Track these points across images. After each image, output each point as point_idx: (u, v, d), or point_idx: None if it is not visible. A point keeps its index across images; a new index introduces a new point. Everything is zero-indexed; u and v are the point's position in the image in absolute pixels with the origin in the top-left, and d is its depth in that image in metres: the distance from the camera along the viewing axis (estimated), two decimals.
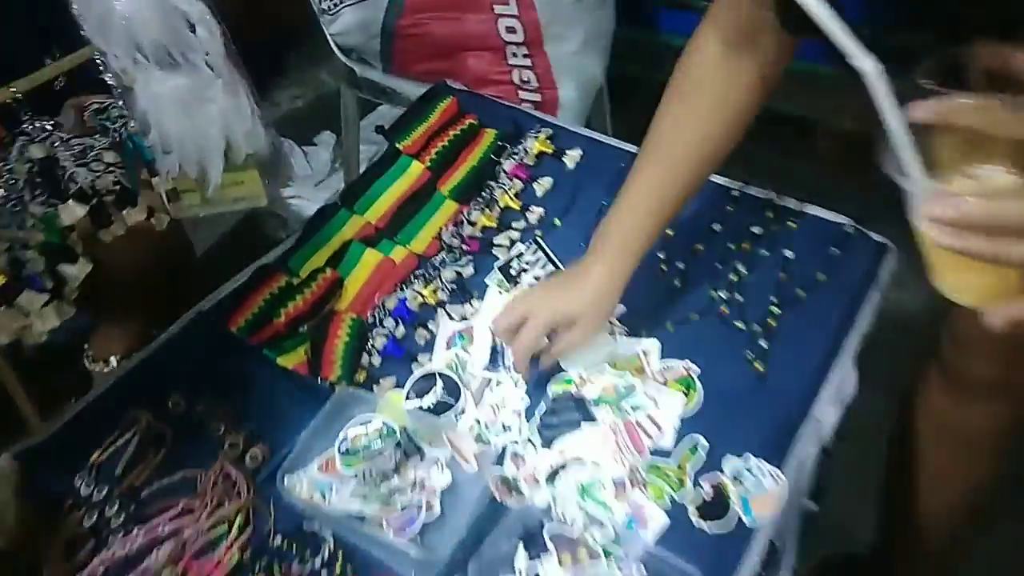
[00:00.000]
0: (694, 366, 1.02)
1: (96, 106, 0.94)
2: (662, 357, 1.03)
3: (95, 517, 0.98)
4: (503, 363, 1.07)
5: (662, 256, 1.13)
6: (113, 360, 1.48)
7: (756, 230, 1.12)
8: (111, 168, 0.89)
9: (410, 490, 0.96)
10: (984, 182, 0.60)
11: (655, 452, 0.96)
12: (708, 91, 0.91)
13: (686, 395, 1.00)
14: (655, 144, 0.95)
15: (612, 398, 1.00)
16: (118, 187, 0.91)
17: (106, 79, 0.88)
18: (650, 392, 1.00)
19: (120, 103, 0.88)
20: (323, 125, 2.32)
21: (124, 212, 0.93)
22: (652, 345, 1.05)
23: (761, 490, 0.93)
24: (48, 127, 0.85)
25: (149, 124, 0.89)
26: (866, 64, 0.56)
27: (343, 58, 1.68)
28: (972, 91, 0.59)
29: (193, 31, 0.92)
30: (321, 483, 0.97)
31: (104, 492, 0.99)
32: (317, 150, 2.25)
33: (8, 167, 0.81)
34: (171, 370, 1.09)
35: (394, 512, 0.95)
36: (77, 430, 1.05)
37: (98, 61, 0.86)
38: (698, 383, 1.01)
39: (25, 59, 0.84)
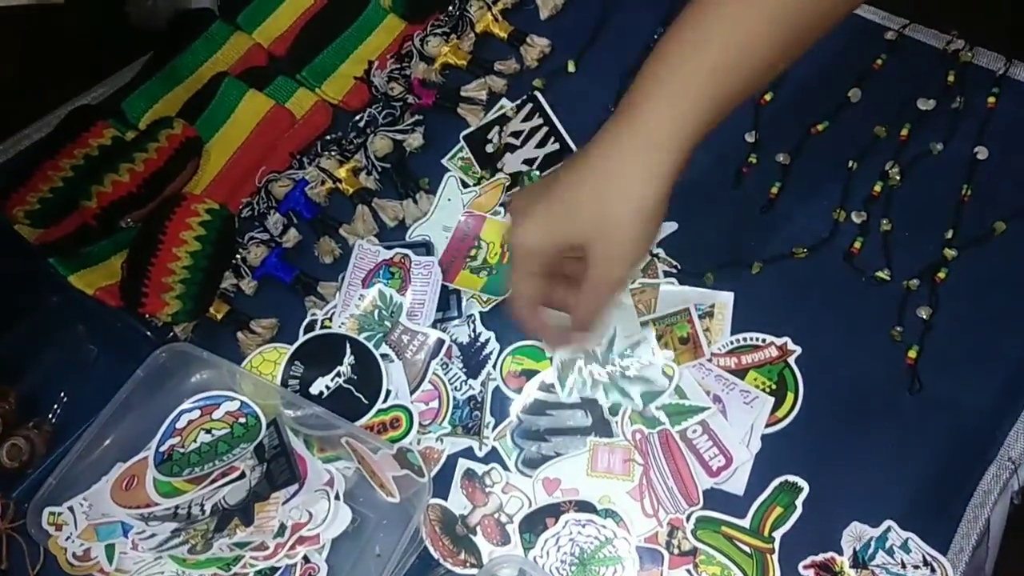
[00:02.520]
0: (793, 343, 0.58)
1: None
2: (735, 326, 0.60)
3: None
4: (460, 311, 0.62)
5: (750, 139, 0.65)
6: None
7: (924, 105, 0.64)
8: None
9: (272, 543, 0.53)
10: None
11: (712, 498, 0.55)
12: None
13: (773, 394, 0.58)
14: None
15: (639, 400, 0.57)
16: None
17: None
18: (709, 387, 0.57)
19: None
20: None
21: None
22: (722, 301, 0.60)
23: None
24: None
25: None
26: None
27: None
28: None
29: None
30: (109, 524, 0.53)
31: None
32: None
33: None
34: None
35: None
36: None
37: None
38: (799, 375, 0.58)
39: None
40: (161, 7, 0.79)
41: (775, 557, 0.53)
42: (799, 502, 0.55)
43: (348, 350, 0.60)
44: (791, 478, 0.55)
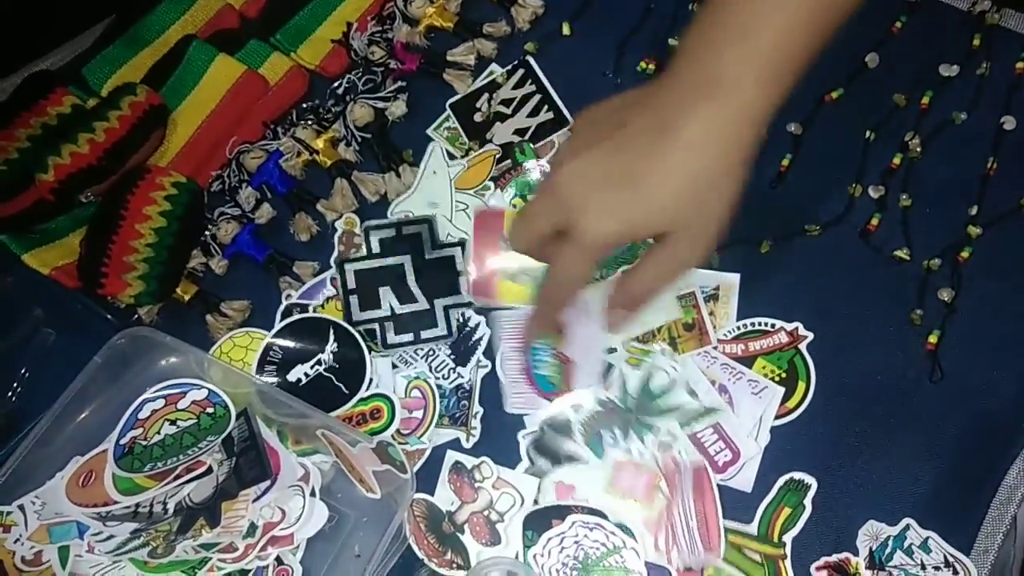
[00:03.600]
0: (805, 329, 0.55)
1: None
2: (742, 310, 0.56)
3: None
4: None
5: None
6: None
7: (946, 71, 0.59)
8: None
9: (242, 544, 0.49)
10: None
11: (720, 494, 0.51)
12: None
13: (783, 383, 0.54)
14: None
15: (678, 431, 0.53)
16: None
17: None
18: (714, 377, 0.53)
19: None
20: None
21: None
22: (727, 283, 0.56)
23: None
24: None
25: None
26: None
27: None
28: None
29: None
30: (64, 524, 0.49)
31: None
32: None
33: None
34: None
35: None
36: None
37: None
38: (810, 363, 0.54)
39: None
40: None
41: (787, 563, 0.49)
42: (807, 501, 0.51)
43: (332, 336, 0.55)
44: (797, 475, 0.51)
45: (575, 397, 0.54)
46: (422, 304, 0.57)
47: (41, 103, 0.66)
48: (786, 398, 0.54)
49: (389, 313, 0.57)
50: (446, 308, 0.57)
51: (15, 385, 0.57)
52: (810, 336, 0.55)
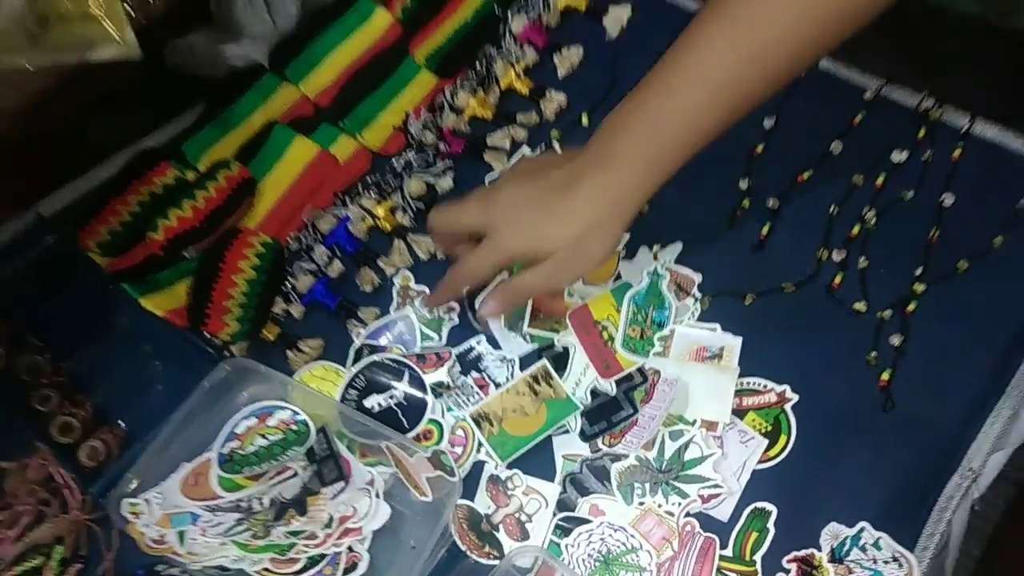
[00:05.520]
0: (791, 392, 0.66)
1: None
2: (741, 369, 0.67)
3: None
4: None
5: (744, 187, 0.73)
6: None
7: (897, 157, 0.72)
8: None
9: (322, 533, 0.60)
10: None
11: (699, 522, 0.63)
12: None
13: (768, 435, 0.65)
14: (725, 19, 0.55)
15: (655, 464, 0.64)
16: None
17: None
18: (714, 427, 0.65)
19: None
20: None
21: None
22: (731, 345, 0.67)
23: None
24: None
25: None
26: None
27: None
28: None
29: None
30: (181, 513, 0.61)
31: None
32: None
33: None
34: None
35: (293, 568, 0.60)
36: None
37: None
38: (793, 421, 0.65)
39: None
40: (200, 52, 0.87)
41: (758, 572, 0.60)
42: (770, 525, 0.61)
43: (407, 377, 0.68)
44: (759, 504, 0.62)
45: (624, 447, 0.65)
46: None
47: (149, 175, 0.80)
48: (769, 447, 0.64)
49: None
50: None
51: (131, 405, 0.69)
52: (795, 399, 0.65)
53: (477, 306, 0.67)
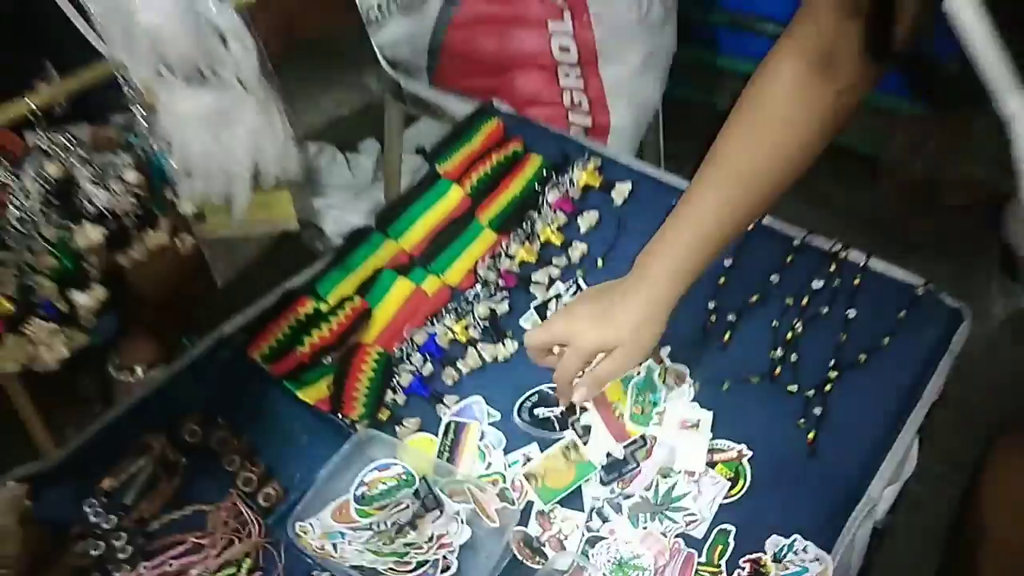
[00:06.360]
0: (747, 449, 0.94)
1: (120, 121, 0.89)
2: (713, 431, 0.96)
3: (102, 548, 0.93)
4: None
5: (711, 306, 1.05)
6: (139, 370, 1.45)
7: (817, 284, 1.04)
8: (132, 189, 0.84)
9: (426, 545, 0.90)
10: None
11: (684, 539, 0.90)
12: (780, 114, 0.83)
13: (731, 480, 0.93)
14: (716, 165, 0.87)
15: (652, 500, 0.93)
16: (139, 208, 0.86)
17: (127, 94, 0.83)
18: (693, 475, 0.93)
19: (140, 120, 0.83)
20: (368, 132, 2.27)
21: (144, 234, 0.88)
22: (705, 417, 0.97)
23: (803, 572, 0.85)
24: (67, 142, 0.80)
25: (171, 144, 0.84)
26: (1015, 104, 0.47)
27: (389, 70, 1.63)
28: None
29: (225, 45, 0.87)
30: (333, 532, 0.91)
31: (113, 522, 0.95)
32: (359, 158, 2.20)
33: (20, 186, 0.77)
34: (188, 396, 1.05)
35: (408, 568, 0.89)
36: (89, 453, 1.01)
37: (118, 75, 0.81)
38: (748, 468, 0.92)
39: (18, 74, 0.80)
40: (323, 215, 1.23)
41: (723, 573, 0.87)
42: (731, 539, 0.88)
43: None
44: (724, 526, 0.88)
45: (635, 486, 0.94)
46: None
47: (294, 305, 1.14)
48: (731, 488, 0.90)
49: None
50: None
51: (290, 463, 1.01)
52: (751, 454, 0.92)
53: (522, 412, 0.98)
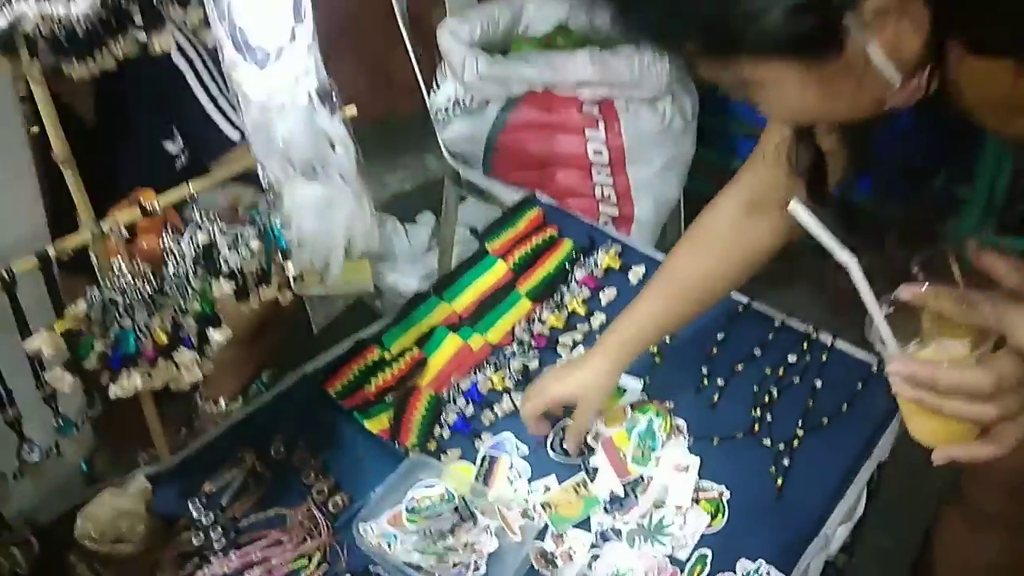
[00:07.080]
0: (727, 491, 1.15)
1: (249, 201, 1.17)
2: (700, 474, 1.16)
3: (201, 538, 1.17)
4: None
5: (705, 372, 1.27)
6: (222, 402, 1.70)
7: (791, 358, 1.26)
8: (255, 254, 1.11)
9: (462, 550, 1.12)
10: (944, 351, 0.74)
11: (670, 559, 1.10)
12: (721, 243, 1.10)
13: (711, 515, 1.13)
14: (665, 277, 1.14)
15: (646, 527, 1.14)
16: (259, 270, 1.12)
17: (262, 183, 1.10)
18: (681, 509, 1.14)
19: (269, 203, 1.10)
20: (425, 205, 2.55)
21: (260, 289, 1.14)
22: (694, 463, 1.18)
23: None
24: (210, 219, 1.07)
25: (290, 222, 1.11)
26: (845, 257, 0.71)
27: (450, 160, 1.92)
28: (952, 281, 0.74)
29: (333, 148, 1.14)
30: (388, 534, 1.14)
31: (211, 518, 1.18)
32: (418, 228, 2.47)
33: (179, 250, 1.03)
34: (276, 421, 1.29)
35: (447, 567, 1.11)
36: (196, 462, 1.25)
37: (257, 170, 1.09)
38: (726, 506, 1.13)
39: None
40: (377, 295, 1.47)
41: None
42: (708, 562, 1.08)
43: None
44: (702, 551, 1.08)
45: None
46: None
47: (364, 352, 1.38)
48: (711, 521, 1.09)
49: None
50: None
51: (353, 482, 1.24)
52: (729, 494, 1.12)
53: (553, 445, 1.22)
